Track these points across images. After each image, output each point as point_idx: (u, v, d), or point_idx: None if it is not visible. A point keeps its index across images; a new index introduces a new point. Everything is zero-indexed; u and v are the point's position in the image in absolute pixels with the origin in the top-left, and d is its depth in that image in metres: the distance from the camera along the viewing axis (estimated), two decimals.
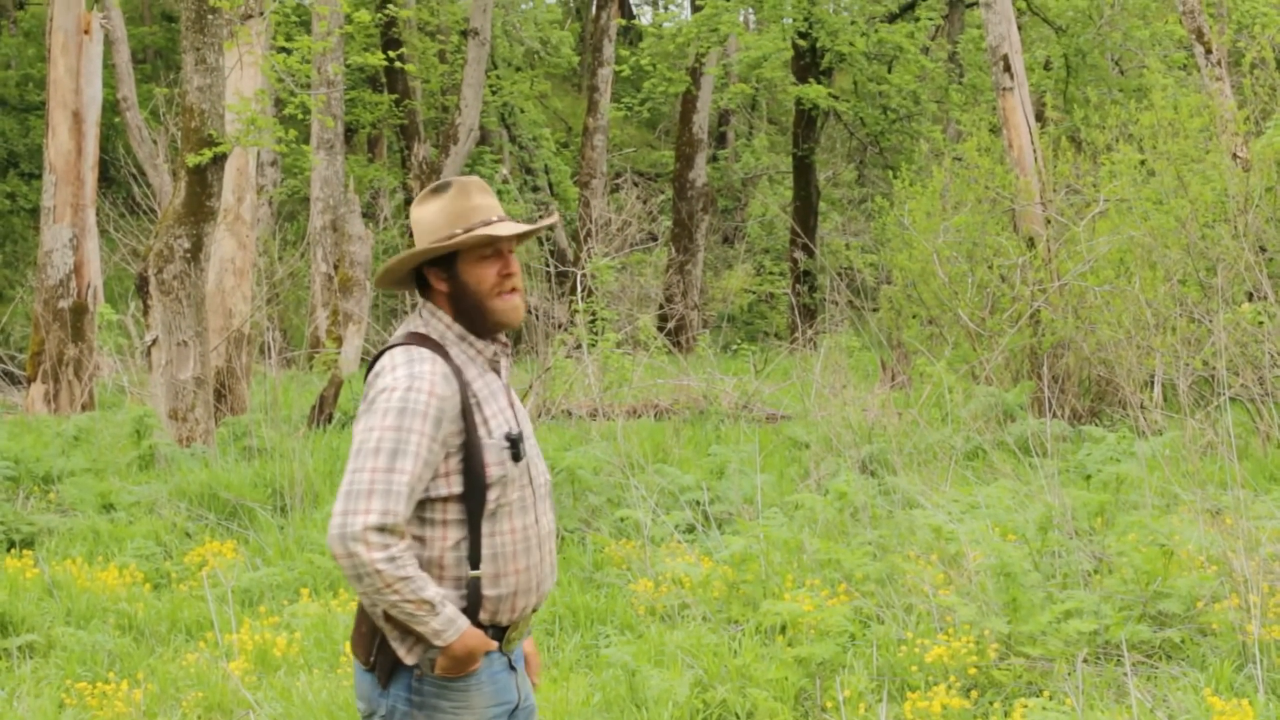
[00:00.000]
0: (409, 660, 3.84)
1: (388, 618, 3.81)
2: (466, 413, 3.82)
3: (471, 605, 3.85)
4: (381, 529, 3.67)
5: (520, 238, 3.96)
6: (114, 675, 7.35)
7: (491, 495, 3.84)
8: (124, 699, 6.83)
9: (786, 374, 18.74)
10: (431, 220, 3.95)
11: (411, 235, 4.05)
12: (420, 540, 3.83)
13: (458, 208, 3.93)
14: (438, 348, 3.89)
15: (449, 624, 3.76)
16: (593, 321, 16.77)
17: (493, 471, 3.84)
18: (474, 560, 3.84)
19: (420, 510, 3.82)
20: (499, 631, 3.93)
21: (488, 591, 3.86)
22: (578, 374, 15.77)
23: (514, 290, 3.95)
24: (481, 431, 3.84)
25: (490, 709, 3.92)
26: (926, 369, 15.05)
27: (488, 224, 3.91)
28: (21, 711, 6.92)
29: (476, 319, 3.94)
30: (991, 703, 6.52)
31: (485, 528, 3.84)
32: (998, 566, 7.40)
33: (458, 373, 3.85)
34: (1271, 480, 11.04)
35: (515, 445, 3.88)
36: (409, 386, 3.77)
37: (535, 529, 3.97)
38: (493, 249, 3.94)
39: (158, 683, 7.29)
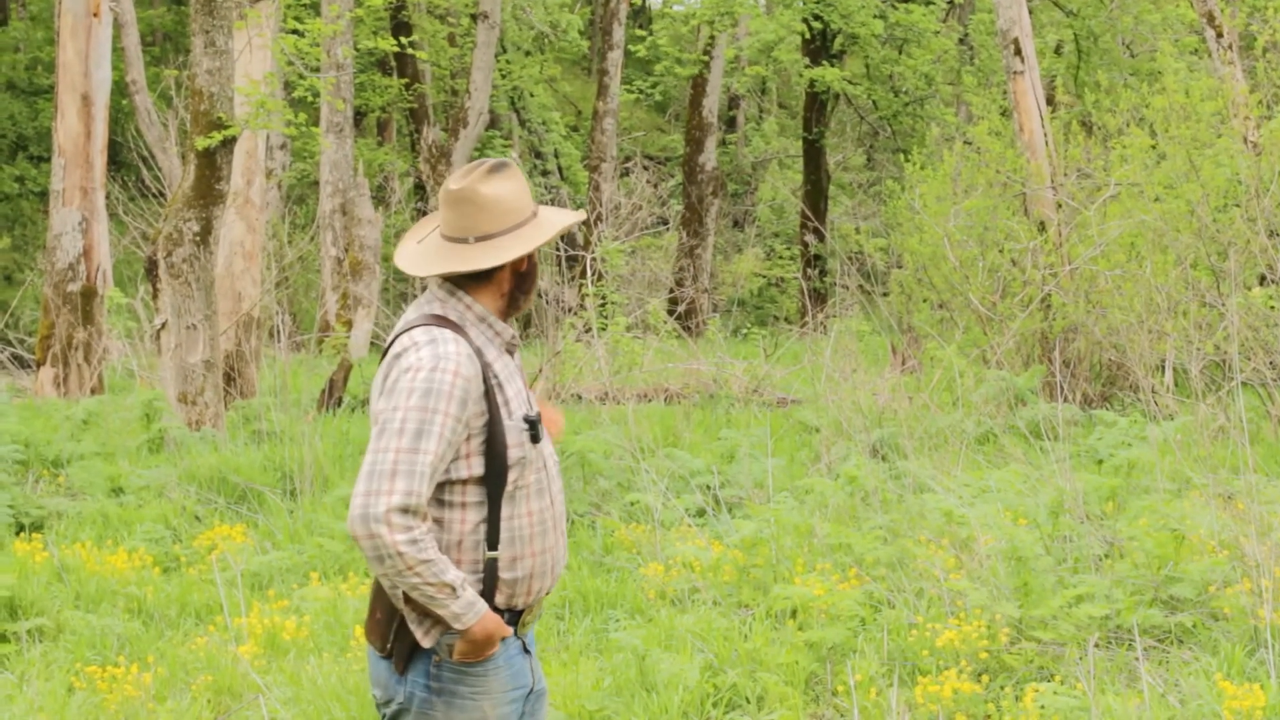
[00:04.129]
0: (426, 643, 3.81)
1: (407, 600, 3.78)
2: (489, 394, 3.79)
3: (487, 588, 3.83)
4: (405, 510, 3.61)
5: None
6: (123, 659, 7.34)
7: (511, 477, 3.82)
8: (133, 682, 6.83)
9: (797, 358, 18.71)
10: (514, 200, 3.91)
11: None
12: (439, 523, 3.78)
13: (525, 188, 3.94)
14: (457, 329, 3.84)
15: (469, 607, 3.73)
16: (603, 305, 16.76)
17: (513, 453, 3.82)
18: (492, 542, 3.82)
19: (439, 492, 3.78)
20: (514, 615, 3.92)
21: (504, 574, 3.84)
22: (588, 358, 15.76)
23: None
24: (503, 413, 3.81)
25: (508, 693, 3.91)
26: (937, 353, 15.02)
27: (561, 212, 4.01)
28: (31, 695, 6.92)
29: (506, 302, 3.96)
30: (1003, 687, 6.50)
31: (504, 510, 3.83)
32: (1009, 551, 7.38)
33: (479, 353, 3.82)
34: None
35: (534, 427, 3.86)
36: (434, 366, 3.72)
37: (550, 511, 3.95)
38: None
39: (167, 666, 7.30)
